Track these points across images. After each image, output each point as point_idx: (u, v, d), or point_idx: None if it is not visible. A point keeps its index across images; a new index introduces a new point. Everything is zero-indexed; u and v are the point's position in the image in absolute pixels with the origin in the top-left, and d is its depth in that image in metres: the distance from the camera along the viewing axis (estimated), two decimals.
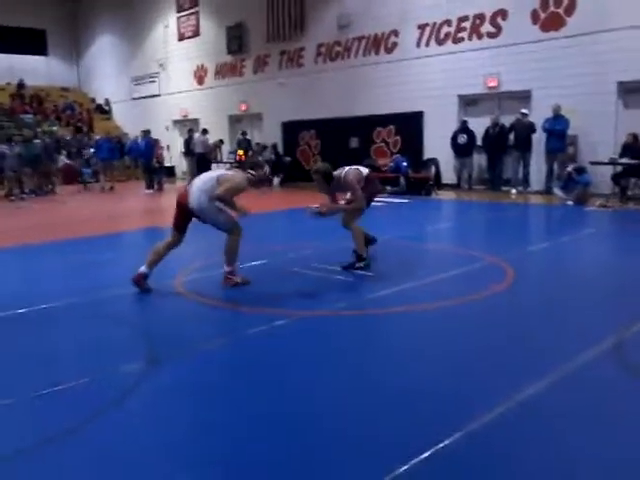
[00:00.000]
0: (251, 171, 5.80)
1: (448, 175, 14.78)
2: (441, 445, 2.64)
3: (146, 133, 18.07)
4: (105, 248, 8.34)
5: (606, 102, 12.56)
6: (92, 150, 19.57)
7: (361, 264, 6.23)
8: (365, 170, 6.61)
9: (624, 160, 11.50)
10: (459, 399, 3.20)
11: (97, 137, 20.32)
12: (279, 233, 9.89)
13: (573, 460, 2.59)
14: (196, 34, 22.56)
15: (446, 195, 13.99)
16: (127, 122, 24.80)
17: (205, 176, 5.75)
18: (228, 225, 5.73)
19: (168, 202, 14.65)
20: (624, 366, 3.59)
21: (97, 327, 4.71)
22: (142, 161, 18.09)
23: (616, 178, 11.79)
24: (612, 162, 11.66)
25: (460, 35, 14.88)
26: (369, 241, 6.74)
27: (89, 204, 14.93)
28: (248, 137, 20.10)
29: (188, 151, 19.12)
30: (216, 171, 6.03)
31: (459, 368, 3.66)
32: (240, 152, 18.74)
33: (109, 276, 6.46)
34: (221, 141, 20.05)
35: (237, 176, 5.68)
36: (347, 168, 6.45)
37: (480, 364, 3.69)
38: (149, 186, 17.31)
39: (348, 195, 6.53)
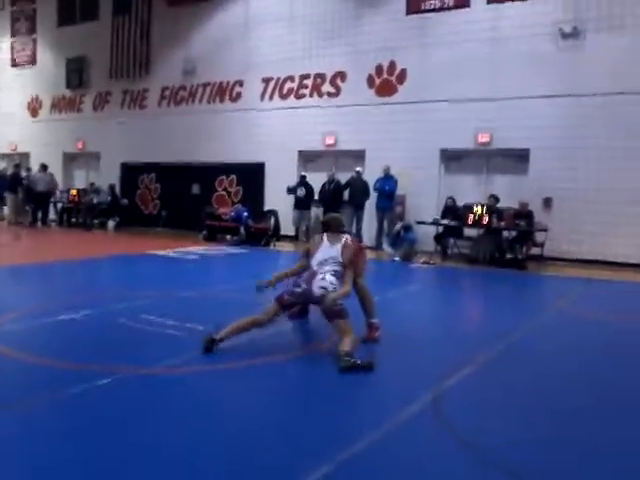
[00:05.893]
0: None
1: (287, 227, 15.08)
2: None
3: None
4: None
5: (430, 166, 13.67)
6: None
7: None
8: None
9: (445, 221, 12.50)
10: (280, 461, 3.15)
11: None
12: (110, 281, 9.41)
13: None
14: (32, 62, 21.34)
15: (284, 247, 14.24)
16: None
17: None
18: None
19: None
20: (441, 421, 3.75)
21: None
22: None
23: (438, 237, 12.75)
24: (435, 222, 12.61)
25: (302, 92, 15.47)
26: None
27: None
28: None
29: (14, 187, 17.68)
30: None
31: (281, 429, 3.63)
32: (73, 192, 17.78)
33: None
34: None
35: None
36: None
37: (299, 425, 3.68)
38: None
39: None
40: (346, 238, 5.37)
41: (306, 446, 3.37)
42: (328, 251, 5.24)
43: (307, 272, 5.21)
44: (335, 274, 5.09)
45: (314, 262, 5.21)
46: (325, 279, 5.01)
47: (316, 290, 4.99)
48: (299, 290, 5.09)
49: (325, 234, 5.40)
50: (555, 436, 3.62)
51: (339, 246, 5.25)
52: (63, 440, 3.36)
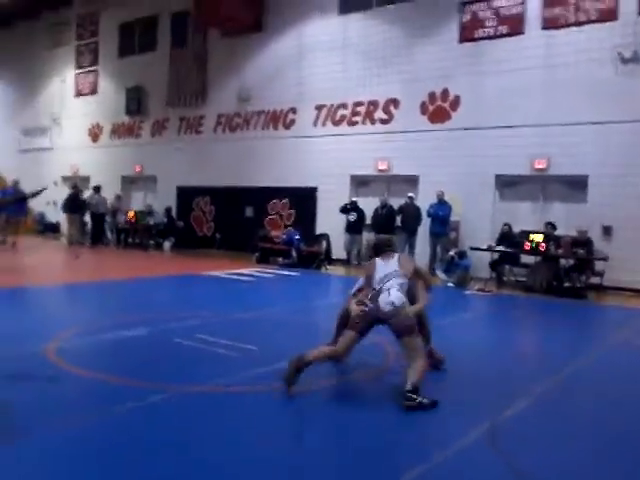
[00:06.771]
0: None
1: (338, 251, 15.11)
2: None
3: None
4: None
5: (485, 192, 13.54)
6: None
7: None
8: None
9: (500, 248, 12.30)
10: None
11: None
12: (165, 300, 9.58)
13: None
14: (94, 92, 22.27)
15: (335, 270, 14.26)
16: (13, 175, 23.53)
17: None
18: None
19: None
20: (497, 452, 3.68)
21: None
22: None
23: (494, 264, 12.55)
24: (490, 249, 12.42)
25: (355, 119, 15.63)
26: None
27: None
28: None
29: (76, 208, 18.22)
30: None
31: (333, 454, 3.61)
32: (131, 214, 18.27)
33: None
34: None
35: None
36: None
37: (351, 452, 3.64)
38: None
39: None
40: (398, 254, 5.28)
41: (360, 474, 3.33)
42: (384, 269, 5.03)
43: (370, 292, 4.96)
44: (400, 288, 4.88)
45: (374, 283, 5.00)
46: (391, 294, 4.78)
47: (384, 307, 4.74)
48: (365, 309, 4.84)
49: (376, 258, 5.23)
50: (612, 473, 3.50)
51: (394, 261, 5.09)
52: (115, 455, 3.40)
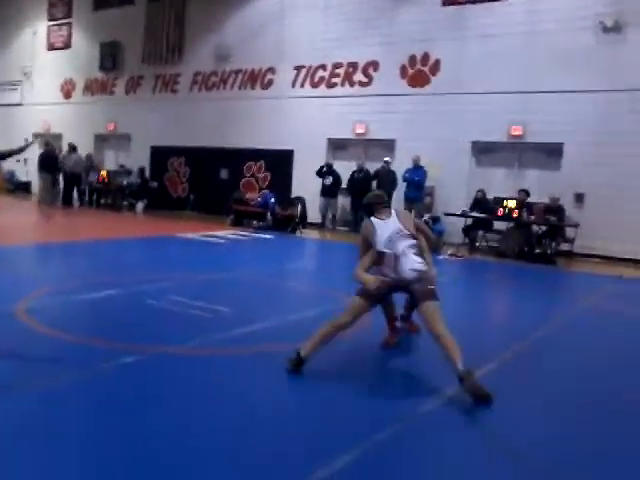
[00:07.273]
0: None
1: (314, 214, 15.07)
2: None
3: None
4: None
5: (461, 158, 13.53)
6: None
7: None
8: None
9: (474, 213, 12.37)
10: (300, 449, 3.17)
11: None
12: (139, 262, 9.47)
13: None
14: (67, 46, 21.61)
15: (310, 234, 14.24)
16: None
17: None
18: None
19: None
20: (465, 415, 3.73)
21: None
22: None
23: (467, 230, 12.63)
24: (463, 214, 12.48)
25: (334, 80, 15.43)
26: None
27: None
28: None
29: (49, 168, 17.72)
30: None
31: (303, 418, 3.62)
32: (103, 173, 17.92)
33: None
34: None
35: None
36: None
37: (319, 416, 3.65)
38: None
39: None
40: (395, 209, 4.82)
41: (326, 438, 3.33)
42: (386, 228, 4.54)
43: (384, 259, 4.49)
44: (416, 250, 4.51)
45: (382, 246, 4.49)
46: (410, 259, 4.42)
47: (408, 274, 4.39)
48: (388, 280, 4.46)
49: (372, 217, 4.72)
50: (576, 432, 3.61)
51: (394, 218, 4.60)
52: (90, 416, 3.38)
